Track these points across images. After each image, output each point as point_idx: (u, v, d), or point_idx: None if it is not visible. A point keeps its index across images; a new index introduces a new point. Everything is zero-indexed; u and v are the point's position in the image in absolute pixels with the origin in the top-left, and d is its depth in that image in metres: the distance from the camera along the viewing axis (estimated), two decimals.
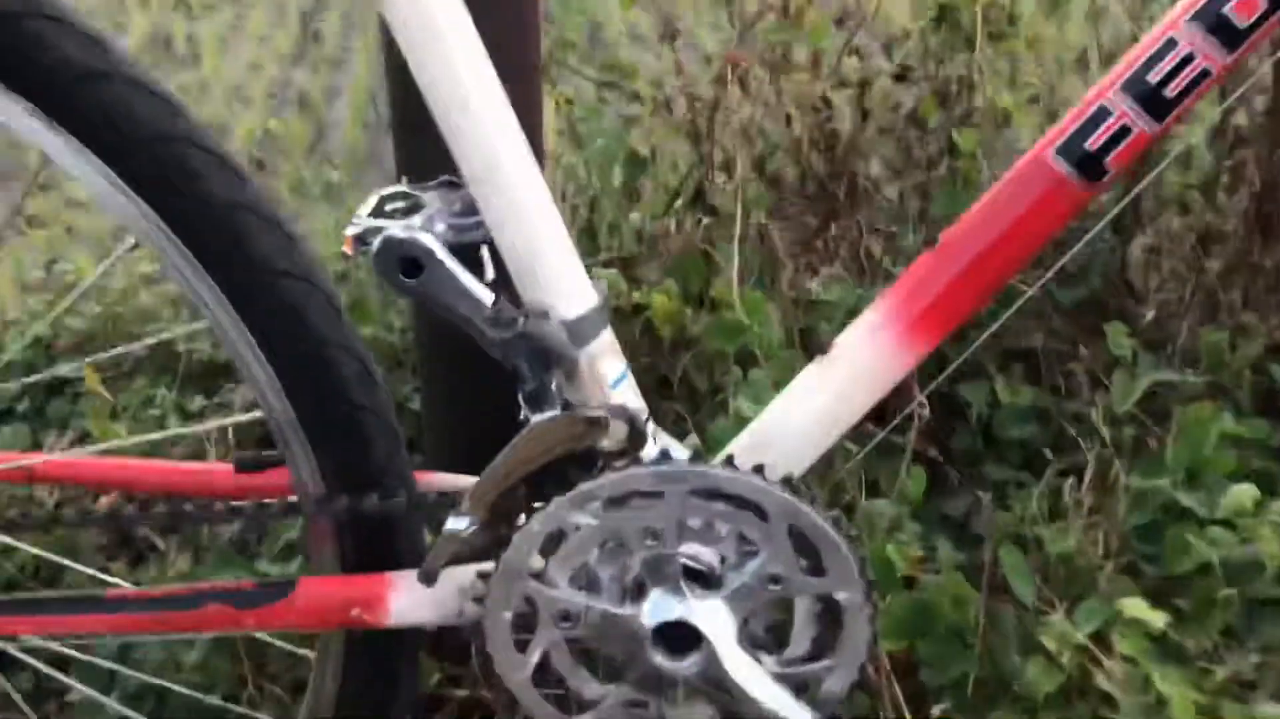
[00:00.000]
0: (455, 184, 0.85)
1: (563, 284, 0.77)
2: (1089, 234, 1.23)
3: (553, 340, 0.75)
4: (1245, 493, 1.08)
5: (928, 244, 0.76)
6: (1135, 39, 0.83)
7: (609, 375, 0.79)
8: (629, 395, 0.78)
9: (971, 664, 1.01)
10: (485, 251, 0.80)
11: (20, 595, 0.87)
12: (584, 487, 0.74)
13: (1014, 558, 1.04)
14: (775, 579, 0.77)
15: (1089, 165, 0.71)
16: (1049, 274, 1.18)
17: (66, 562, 0.95)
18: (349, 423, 0.79)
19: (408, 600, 0.81)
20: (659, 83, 1.57)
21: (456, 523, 0.76)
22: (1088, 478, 1.19)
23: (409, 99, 1.08)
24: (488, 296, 0.77)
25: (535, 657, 0.80)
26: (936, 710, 0.96)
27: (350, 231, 0.80)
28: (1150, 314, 1.55)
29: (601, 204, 1.50)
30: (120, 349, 1.32)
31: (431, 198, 0.83)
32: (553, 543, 0.77)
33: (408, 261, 0.78)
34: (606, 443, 0.77)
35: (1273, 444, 1.26)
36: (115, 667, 1.05)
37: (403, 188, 0.84)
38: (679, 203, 1.47)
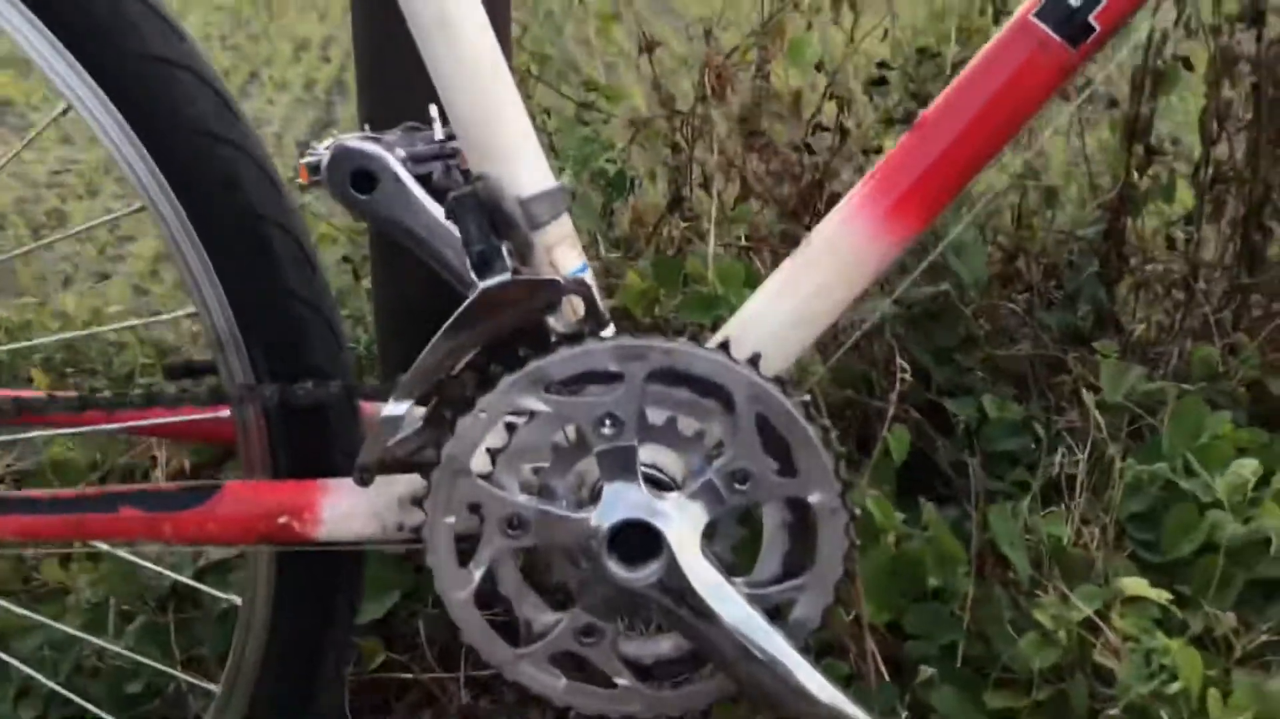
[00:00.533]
0: (417, 128, 0.81)
1: (517, 158, 0.72)
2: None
3: (504, 205, 0.70)
4: (1245, 466, 1.02)
5: (907, 122, 0.72)
6: None
7: (566, 266, 0.74)
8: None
9: (959, 634, 0.93)
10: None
11: None
12: (536, 364, 0.68)
13: (1005, 525, 0.97)
14: (742, 477, 0.71)
15: (1073, 25, 0.68)
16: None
17: None
18: (282, 309, 0.73)
19: (342, 508, 0.74)
20: (636, 97, 1.56)
21: (395, 407, 0.70)
22: (1082, 466, 1.13)
23: (374, 51, 1.07)
24: (440, 216, 0.73)
25: (479, 572, 0.73)
26: (921, 677, 0.87)
27: (305, 160, 0.77)
28: (1139, 329, 1.52)
29: (576, 214, 1.47)
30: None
31: (389, 136, 0.79)
32: (501, 437, 0.71)
33: (360, 175, 0.74)
34: (559, 323, 0.71)
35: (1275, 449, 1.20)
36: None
37: (361, 134, 0.80)
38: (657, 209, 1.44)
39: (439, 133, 0.78)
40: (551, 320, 0.71)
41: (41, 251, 2.59)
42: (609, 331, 0.71)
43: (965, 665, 0.92)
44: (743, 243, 1.49)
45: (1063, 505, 1.09)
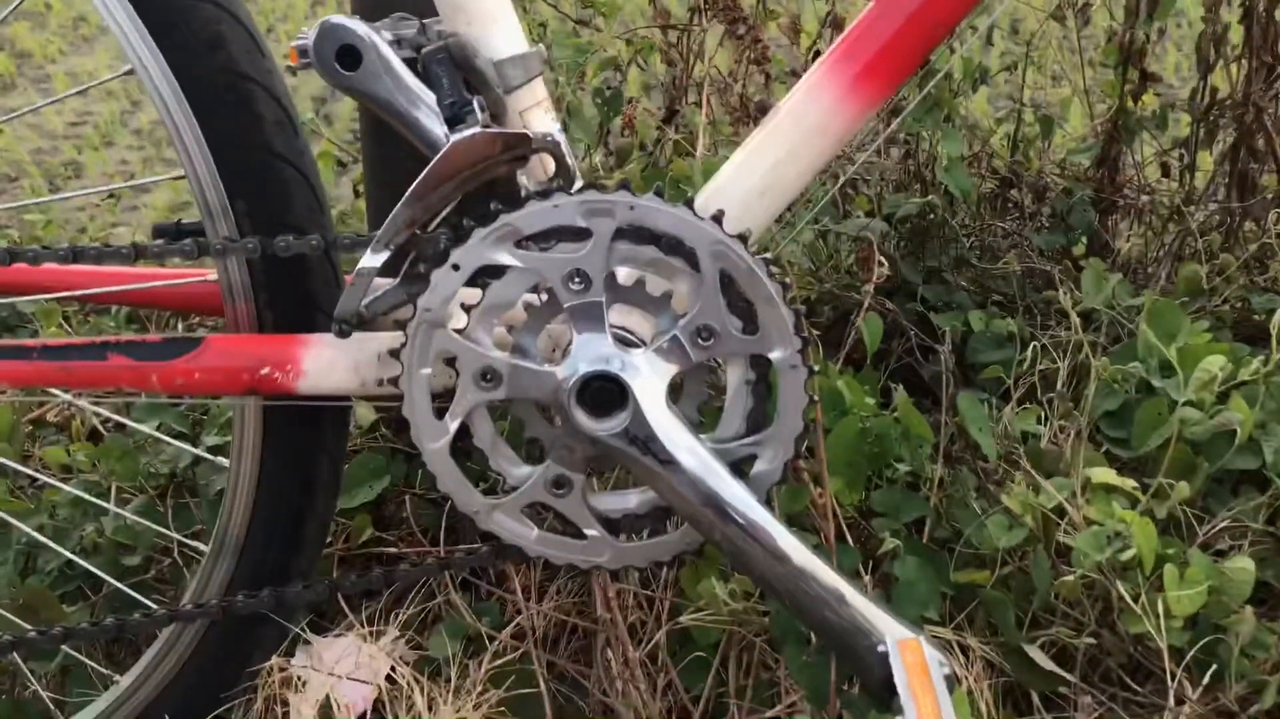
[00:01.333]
0: (405, 18, 0.83)
1: (491, 21, 0.75)
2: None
3: (478, 65, 0.72)
4: (1214, 363, 1.04)
5: None
6: None
7: (540, 128, 0.76)
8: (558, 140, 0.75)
9: (925, 511, 0.96)
10: None
11: None
12: (506, 218, 0.71)
13: (974, 411, 1.00)
14: (706, 333, 0.73)
15: None
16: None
17: None
18: (264, 167, 0.76)
19: (323, 361, 0.77)
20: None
21: (372, 259, 0.73)
22: (1062, 372, 1.16)
23: None
24: (421, 90, 0.75)
25: (454, 424, 0.76)
26: (885, 548, 0.90)
27: (294, 43, 0.79)
28: (1127, 247, 1.53)
29: (572, 127, 1.49)
30: None
31: (378, 24, 0.81)
32: (475, 294, 0.73)
33: (345, 51, 0.76)
34: (530, 180, 0.74)
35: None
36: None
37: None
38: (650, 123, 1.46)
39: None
40: (522, 178, 0.73)
41: (57, 201, 2.62)
42: (577, 185, 0.73)
43: (930, 544, 0.95)
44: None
45: (1037, 403, 1.12)
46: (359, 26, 0.77)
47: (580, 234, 0.72)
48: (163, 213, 2.50)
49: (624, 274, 0.75)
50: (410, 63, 0.78)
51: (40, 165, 2.76)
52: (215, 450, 1.13)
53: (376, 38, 0.77)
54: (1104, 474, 0.98)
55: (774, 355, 0.74)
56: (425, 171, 0.71)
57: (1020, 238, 1.59)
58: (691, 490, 0.74)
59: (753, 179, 0.77)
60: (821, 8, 1.66)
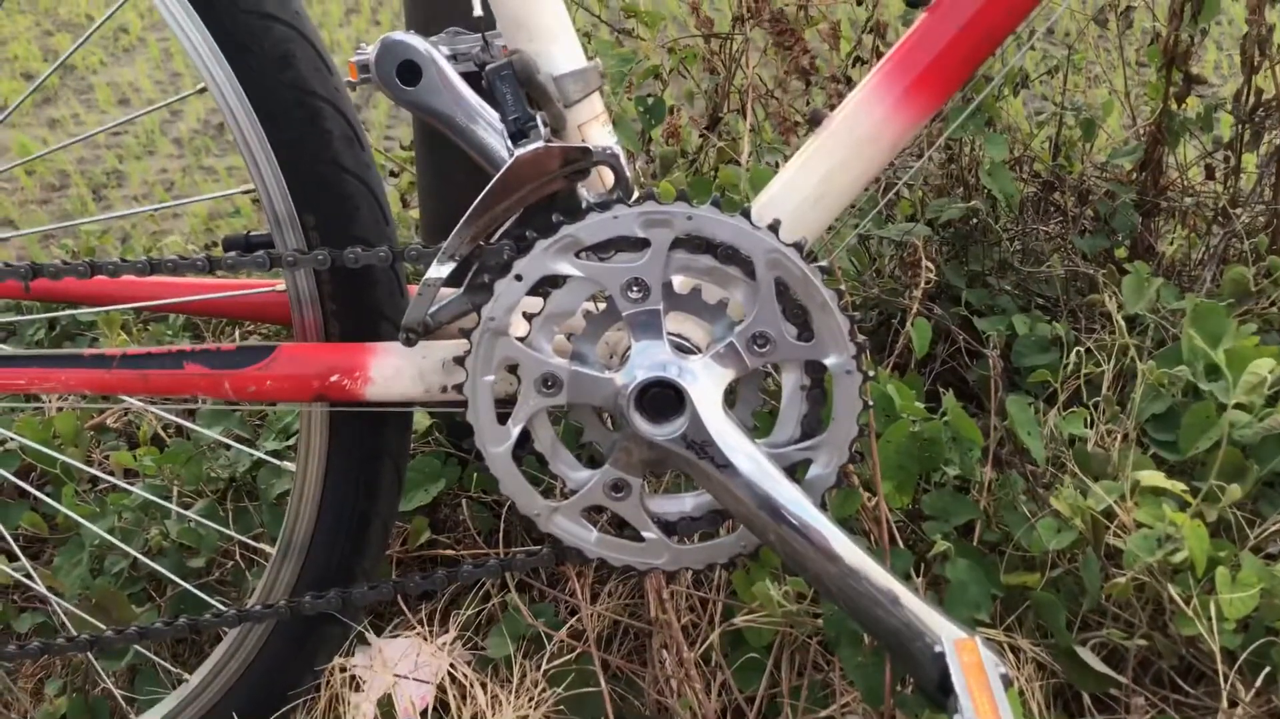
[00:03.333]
0: (461, 32, 0.86)
1: (552, 37, 0.77)
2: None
3: (539, 80, 0.75)
4: (1263, 365, 1.04)
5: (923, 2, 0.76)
6: None
7: (598, 142, 0.78)
8: (616, 153, 0.77)
9: (975, 514, 0.97)
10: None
11: None
12: (568, 229, 0.73)
13: (1023, 414, 1.01)
14: (762, 340, 0.75)
15: None
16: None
17: None
18: (333, 182, 0.78)
19: (390, 368, 0.79)
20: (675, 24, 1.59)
21: (438, 269, 0.75)
22: (1107, 375, 1.16)
23: None
24: (481, 105, 0.77)
25: (516, 428, 0.78)
26: (936, 549, 0.91)
27: (355, 59, 0.81)
28: (1171, 249, 1.53)
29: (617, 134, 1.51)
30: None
31: (436, 38, 0.84)
32: (537, 303, 0.75)
33: (405, 67, 0.78)
34: (590, 193, 0.76)
35: None
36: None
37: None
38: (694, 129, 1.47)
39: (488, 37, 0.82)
40: (583, 190, 0.75)
41: (100, 210, 2.68)
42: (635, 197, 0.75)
43: (980, 546, 0.96)
44: (776, 165, 1.52)
45: (1083, 406, 1.12)
46: (419, 43, 0.79)
47: (639, 244, 0.74)
48: (204, 220, 2.55)
49: (680, 282, 0.77)
50: (467, 77, 0.80)
51: (84, 174, 2.82)
52: (274, 455, 1.16)
53: (436, 53, 0.79)
54: (1153, 477, 0.98)
55: (829, 361, 0.75)
56: (490, 186, 0.73)
57: (1063, 241, 1.59)
58: (747, 493, 0.75)
59: (806, 188, 0.78)
60: (860, 13, 1.68)
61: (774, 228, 0.73)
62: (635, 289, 0.74)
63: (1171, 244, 1.58)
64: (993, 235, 1.54)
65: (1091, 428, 1.12)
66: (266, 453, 1.14)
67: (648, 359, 0.75)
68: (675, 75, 1.63)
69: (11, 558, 1.14)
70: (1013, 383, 1.38)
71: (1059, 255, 1.57)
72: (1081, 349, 1.28)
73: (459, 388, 0.77)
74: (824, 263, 0.73)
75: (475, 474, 1.13)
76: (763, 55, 1.54)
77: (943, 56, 0.75)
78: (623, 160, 0.75)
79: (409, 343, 0.77)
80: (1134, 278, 1.26)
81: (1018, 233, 1.59)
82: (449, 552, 1.08)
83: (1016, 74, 1.67)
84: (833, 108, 1.75)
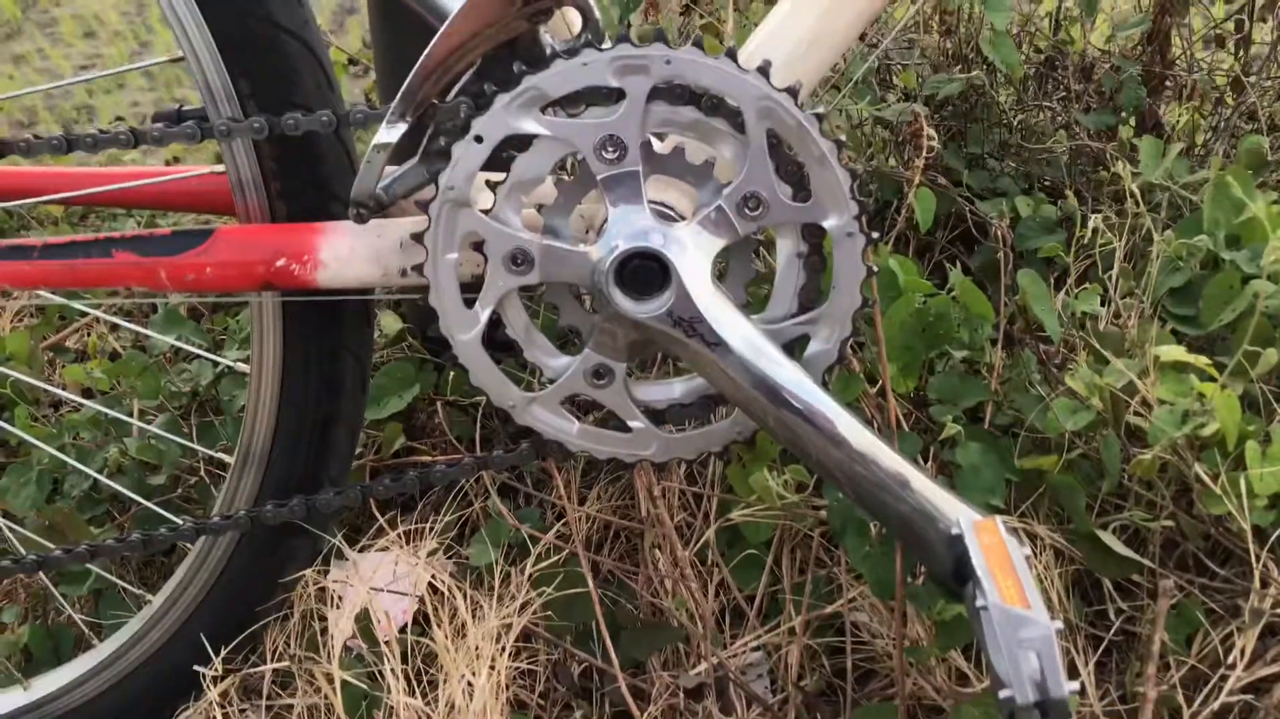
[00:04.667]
0: None
1: None
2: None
3: None
4: None
5: None
6: None
7: None
8: None
9: (985, 395, 0.90)
10: None
11: None
12: (531, 80, 0.65)
13: (1036, 287, 0.94)
14: (754, 202, 0.67)
15: None
16: None
17: None
18: (269, 44, 0.70)
19: (342, 249, 0.72)
20: None
21: (387, 133, 0.67)
22: (1120, 249, 1.09)
23: None
24: None
25: (485, 312, 0.70)
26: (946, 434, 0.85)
27: None
28: (1183, 120, 1.45)
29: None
30: None
31: None
32: (497, 164, 0.68)
33: None
34: (555, 39, 0.67)
35: None
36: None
37: None
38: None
39: None
40: (547, 35, 0.67)
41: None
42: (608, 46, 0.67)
43: (992, 429, 0.90)
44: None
45: (1098, 283, 1.06)
46: None
47: (613, 95, 0.66)
48: (173, 156, 2.46)
49: (661, 143, 0.69)
50: None
51: (53, 110, 2.71)
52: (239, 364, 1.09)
53: None
54: (1174, 351, 0.91)
55: (828, 223, 0.68)
56: (441, 31, 0.65)
57: (1066, 118, 1.51)
58: (742, 374, 0.68)
59: (801, 28, 0.70)
60: None
61: (764, 70, 0.65)
62: (610, 149, 0.66)
63: (1179, 120, 1.50)
64: (993, 113, 1.46)
65: (1105, 306, 1.05)
66: (232, 360, 1.07)
67: (627, 228, 0.67)
68: None
69: None
70: (1017, 266, 1.31)
71: (1063, 133, 1.49)
72: (1094, 221, 1.21)
73: (419, 269, 0.70)
74: (821, 109, 0.65)
75: (452, 377, 1.06)
76: None
77: None
78: (593, 3, 0.67)
79: (360, 219, 0.70)
80: (1148, 146, 1.18)
81: (1019, 110, 1.50)
82: (426, 458, 1.02)
83: None
84: None
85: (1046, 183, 1.45)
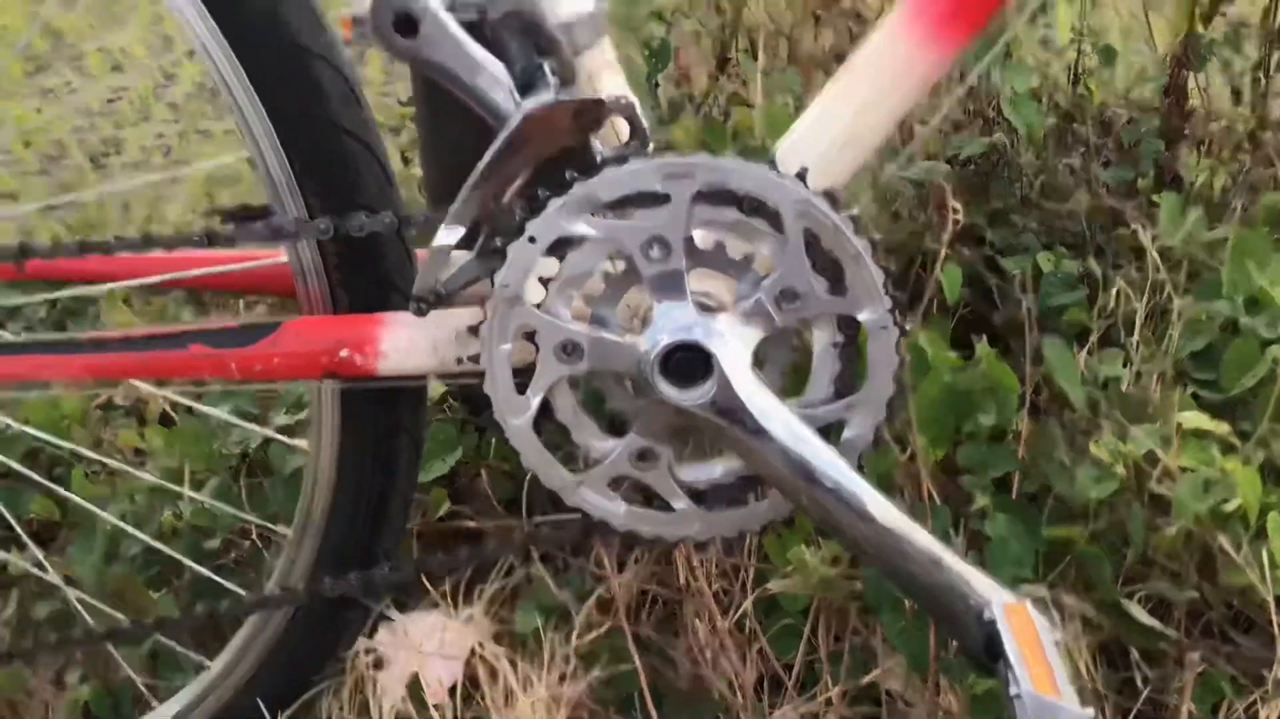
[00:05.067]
0: None
1: None
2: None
3: (546, 29, 0.70)
4: None
5: None
6: None
7: (610, 91, 0.74)
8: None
9: (1013, 466, 0.93)
10: None
11: None
12: (582, 186, 0.69)
13: (1061, 357, 0.97)
14: (791, 296, 0.71)
15: None
16: None
17: None
18: (332, 144, 0.74)
19: (401, 341, 0.75)
20: None
21: (446, 235, 0.71)
22: (1141, 311, 1.12)
23: None
24: (484, 57, 0.73)
25: (536, 399, 0.74)
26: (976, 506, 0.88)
27: (347, 13, 0.77)
28: (1202, 178, 1.48)
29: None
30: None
31: None
32: (552, 266, 0.71)
33: (402, 19, 0.74)
34: (604, 145, 0.71)
35: None
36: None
37: None
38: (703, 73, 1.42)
39: None
40: (597, 143, 0.71)
41: (99, 179, 2.64)
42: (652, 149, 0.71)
43: (1020, 499, 0.93)
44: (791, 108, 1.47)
45: (1120, 347, 1.08)
46: None
47: (658, 199, 0.69)
48: (201, 184, 2.50)
49: (703, 237, 0.72)
50: (468, 25, 0.76)
51: (81, 143, 2.77)
52: (285, 431, 1.13)
53: (432, 3, 0.74)
54: (1195, 418, 0.94)
55: (863, 316, 0.71)
56: (497, 143, 0.69)
57: (1086, 174, 1.54)
58: (781, 459, 0.72)
59: (833, 130, 0.74)
60: None
61: (801, 176, 0.69)
62: (656, 247, 0.70)
63: (1198, 175, 1.52)
64: (1014, 170, 1.49)
65: (1127, 367, 1.08)
66: (276, 429, 1.11)
67: (672, 321, 0.71)
68: (679, 15, 1.57)
69: (22, 546, 1.11)
70: (1041, 323, 1.34)
71: (1083, 189, 1.52)
72: (1113, 285, 1.24)
73: (475, 359, 0.73)
74: (854, 211, 0.69)
75: (494, 442, 1.10)
76: None
77: None
78: (638, 110, 0.71)
79: (420, 313, 0.73)
80: (1168, 207, 1.21)
81: (1040, 167, 1.54)
82: (470, 523, 1.05)
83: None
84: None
85: (1069, 238, 1.48)
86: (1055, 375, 0.95)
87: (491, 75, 0.72)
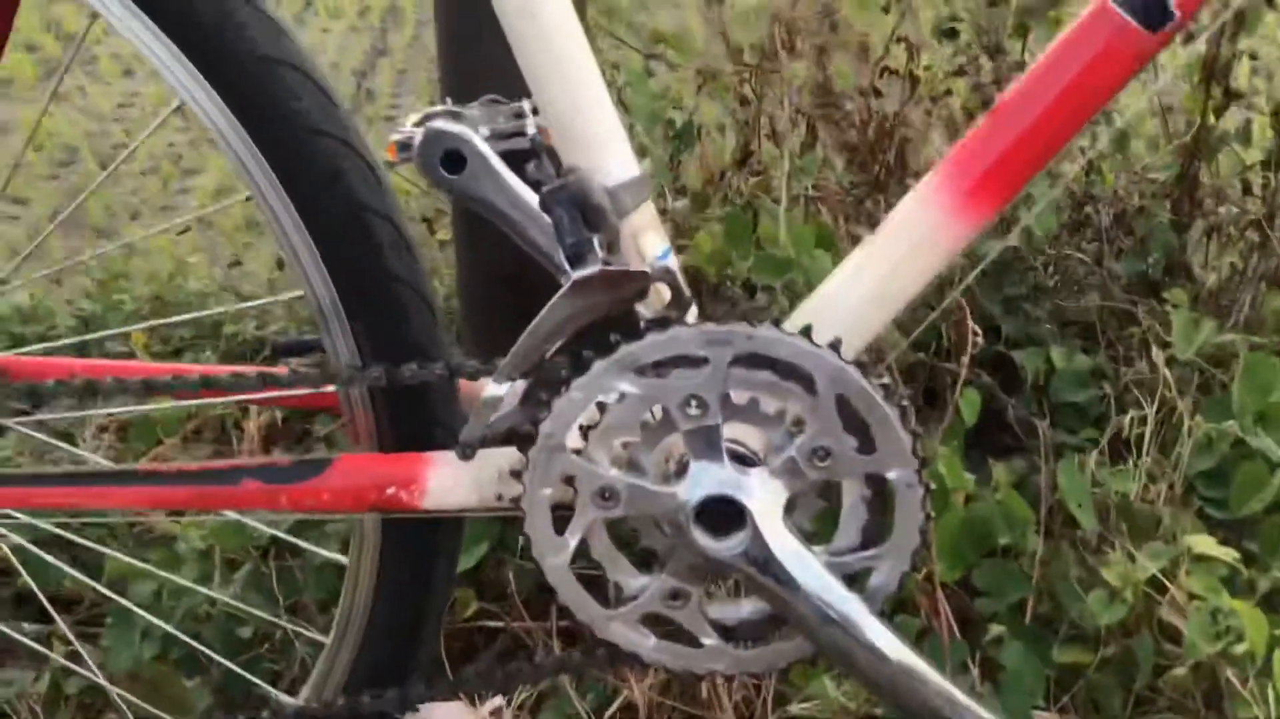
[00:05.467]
0: (499, 101, 0.84)
1: (605, 146, 0.75)
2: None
3: (595, 197, 0.73)
4: None
5: (985, 107, 0.74)
6: None
7: (652, 250, 0.77)
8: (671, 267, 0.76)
9: (1027, 591, 0.97)
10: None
11: (52, 468, 0.85)
12: (626, 349, 0.72)
13: (1074, 484, 1.00)
14: (823, 455, 0.74)
15: (1152, 9, 0.68)
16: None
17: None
18: (384, 292, 0.77)
19: (446, 480, 0.79)
20: (705, 50, 1.57)
21: (495, 389, 0.74)
22: (1151, 422, 1.15)
23: (455, 16, 1.10)
24: (528, 192, 0.76)
25: (574, 539, 0.77)
26: (990, 635, 0.91)
27: (394, 138, 0.80)
28: (1211, 279, 1.51)
29: (642, 166, 1.49)
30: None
31: (472, 111, 0.82)
32: (593, 414, 0.75)
33: (450, 156, 0.77)
34: (647, 309, 0.75)
35: None
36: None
37: (446, 106, 0.83)
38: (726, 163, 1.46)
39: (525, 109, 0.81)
40: (640, 306, 0.74)
41: (108, 184, 2.69)
42: (693, 314, 0.74)
43: (1034, 622, 0.96)
44: (810, 193, 1.50)
45: (1131, 462, 1.11)
46: (463, 131, 0.78)
47: (697, 360, 0.73)
48: (212, 196, 2.52)
49: (739, 393, 0.76)
50: (507, 155, 0.79)
51: (93, 149, 2.81)
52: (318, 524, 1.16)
53: (480, 143, 0.78)
54: (1204, 542, 0.97)
55: (891, 475, 0.74)
56: (547, 308, 0.72)
57: (1099, 266, 1.57)
58: (808, 605, 0.75)
59: (863, 291, 0.77)
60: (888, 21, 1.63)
61: (835, 346, 0.72)
62: (693, 405, 0.73)
63: (1210, 270, 1.55)
64: (1028, 262, 1.52)
65: (1137, 475, 1.11)
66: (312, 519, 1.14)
67: (707, 476, 0.74)
68: (703, 98, 1.61)
69: (50, 619, 1.14)
70: (1051, 418, 1.37)
71: (1095, 281, 1.55)
72: (1123, 390, 1.27)
73: (516, 500, 0.77)
74: (885, 379, 0.72)
75: (520, 537, 1.13)
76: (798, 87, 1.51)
77: (1000, 165, 0.74)
78: (679, 276, 0.74)
79: (466, 457, 0.77)
80: (1182, 322, 1.24)
81: (1053, 258, 1.57)
82: (497, 623, 1.08)
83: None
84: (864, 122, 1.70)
85: (1080, 325, 1.51)
86: (1068, 501, 0.98)
87: (532, 209, 0.75)
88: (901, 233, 0.76)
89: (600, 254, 0.72)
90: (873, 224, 1.56)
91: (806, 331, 0.72)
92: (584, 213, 0.73)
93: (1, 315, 1.82)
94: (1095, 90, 0.72)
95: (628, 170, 0.75)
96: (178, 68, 0.74)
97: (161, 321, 0.83)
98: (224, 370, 0.77)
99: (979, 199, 0.75)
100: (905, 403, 0.73)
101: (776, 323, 0.72)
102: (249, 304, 0.85)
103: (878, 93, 1.63)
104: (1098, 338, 1.48)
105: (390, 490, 0.78)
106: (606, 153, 0.75)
